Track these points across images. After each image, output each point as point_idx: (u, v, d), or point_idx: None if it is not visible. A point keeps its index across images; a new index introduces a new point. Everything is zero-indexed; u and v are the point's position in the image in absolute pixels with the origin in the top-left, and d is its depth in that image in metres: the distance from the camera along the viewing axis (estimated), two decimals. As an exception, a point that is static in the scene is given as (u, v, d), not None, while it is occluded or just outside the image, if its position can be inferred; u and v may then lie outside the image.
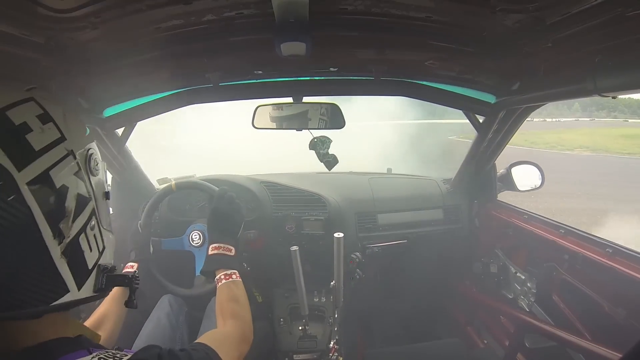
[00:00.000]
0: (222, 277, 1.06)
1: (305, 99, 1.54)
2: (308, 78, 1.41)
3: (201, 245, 1.64)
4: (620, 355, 0.55)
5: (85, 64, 1.07)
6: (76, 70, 1.08)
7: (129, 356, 0.59)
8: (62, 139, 0.58)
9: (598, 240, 1.34)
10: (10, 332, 0.54)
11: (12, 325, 0.54)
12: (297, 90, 1.48)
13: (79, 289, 0.58)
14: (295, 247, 1.29)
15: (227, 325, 0.94)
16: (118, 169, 1.77)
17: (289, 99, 1.54)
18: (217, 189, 1.41)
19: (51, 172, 0.54)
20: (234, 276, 1.06)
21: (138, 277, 0.79)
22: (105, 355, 0.56)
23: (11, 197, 0.49)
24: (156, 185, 2.04)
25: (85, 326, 0.69)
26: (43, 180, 0.53)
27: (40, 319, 0.55)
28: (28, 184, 0.51)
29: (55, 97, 0.66)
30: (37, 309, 0.52)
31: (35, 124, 0.55)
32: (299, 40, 0.97)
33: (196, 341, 0.77)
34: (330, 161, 1.66)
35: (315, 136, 1.62)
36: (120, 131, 1.65)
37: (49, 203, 0.53)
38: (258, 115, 1.62)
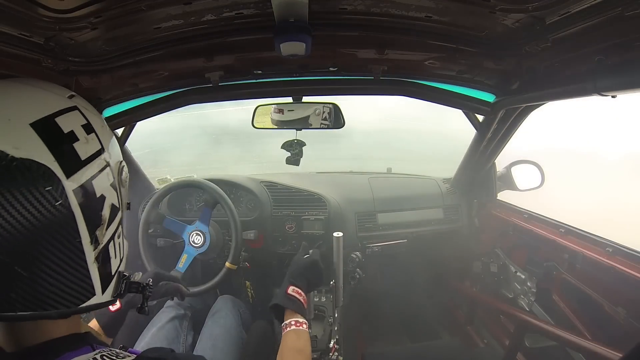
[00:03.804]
0: (293, 322, 1.04)
1: (305, 99, 1.55)
2: (308, 78, 1.41)
3: (201, 247, 1.64)
4: (621, 355, 0.55)
5: (85, 64, 1.07)
6: (76, 70, 1.08)
7: (140, 353, 0.60)
8: (102, 150, 0.61)
9: (598, 239, 1.34)
10: (19, 330, 0.56)
11: (22, 324, 0.55)
12: (296, 90, 1.47)
13: (102, 293, 0.61)
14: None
15: None
16: None
17: (289, 99, 1.54)
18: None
19: (93, 182, 0.57)
20: (304, 325, 1.05)
21: (152, 285, 0.83)
22: (108, 353, 0.57)
23: (58, 202, 0.52)
24: (156, 185, 2.04)
25: (90, 327, 0.70)
26: (87, 188, 0.56)
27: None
28: (74, 191, 0.54)
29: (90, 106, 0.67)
30: (69, 310, 0.54)
31: (81, 134, 0.57)
32: (298, 40, 0.96)
33: None
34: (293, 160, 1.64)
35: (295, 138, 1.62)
36: (120, 131, 1.65)
37: (90, 211, 0.57)
38: (258, 115, 1.63)
